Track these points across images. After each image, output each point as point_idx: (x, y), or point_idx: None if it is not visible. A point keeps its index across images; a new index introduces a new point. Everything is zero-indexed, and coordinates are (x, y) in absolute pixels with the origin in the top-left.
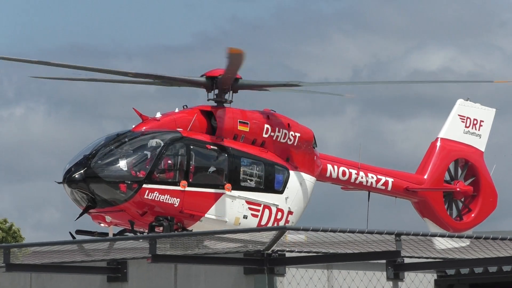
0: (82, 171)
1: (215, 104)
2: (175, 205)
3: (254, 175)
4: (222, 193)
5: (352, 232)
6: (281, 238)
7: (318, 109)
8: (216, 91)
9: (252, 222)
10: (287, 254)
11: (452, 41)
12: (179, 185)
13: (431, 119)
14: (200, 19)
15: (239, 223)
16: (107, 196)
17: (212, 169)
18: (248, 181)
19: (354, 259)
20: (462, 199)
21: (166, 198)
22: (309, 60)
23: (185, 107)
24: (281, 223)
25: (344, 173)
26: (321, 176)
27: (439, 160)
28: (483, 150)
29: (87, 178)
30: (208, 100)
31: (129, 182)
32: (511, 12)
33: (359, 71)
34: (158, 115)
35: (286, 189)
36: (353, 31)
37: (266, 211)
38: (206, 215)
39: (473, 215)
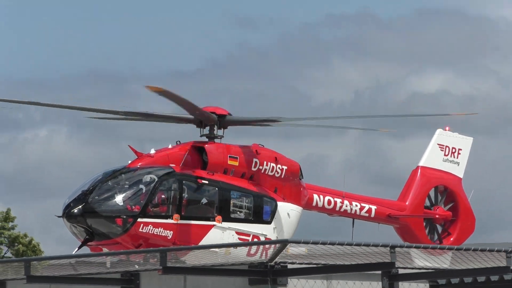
0: (80, 206)
1: (207, 139)
2: (168, 237)
3: (244, 207)
4: (213, 225)
5: (350, 244)
6: (283, 250)
7: (322, 130)
8: (207, 127)
9: (242, 252)
10: (289, 266)
11: (449, 65)
12: (172, 218)
13: (428, 139)
14: (209, 46)
15: (230, 253)
16: (104, 229)
17: (203, 202)
18: (238, 212)
19: (351, 270)
20: (442, 224)
21: (160, 230)
22: (314, 84)
23: (178, 142)
24: (270, 252)
25: (329, 202)
26: (308, 205)
27: (419, 187)
28: (461, 176)
29: (85, 213)
30: (201, 136)
31: (124, 216)
32: (504, 37)
33: (360, 94)
34: (152, 151)
35: (274, 219)
36: (354, 56)
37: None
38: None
39: (452, 238)
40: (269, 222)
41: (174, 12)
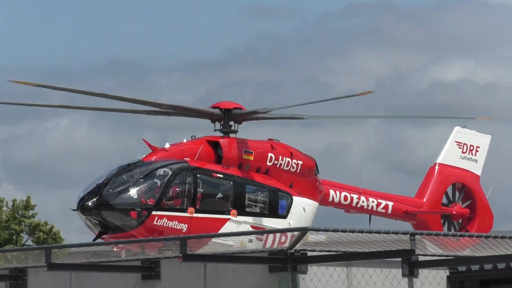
0: (94, 199)
1: (222, 134)
2: (183, 230)
3: (259, 201)
4: (228, 219)
5: (370, 232)
6: (303, 238)
7: (343, 119)
8: (221, 122)
9: (257, 246)
10: (309, 253)
11: (470, 54)
12: (186, 212)
13: (450, 128)
14: (229, 36)
15: (245, 246)
16: (118, 222)
17: (218, 196)
18: (253, 207)
19: (372, 257)
20: (460, 221)
21: (174, 224)
22: (333, 74)
23: (193, 137)
24: (286, 245)
25: (346, 198)
26: (324, 201)
27: (437, 184)
28: (479, 174)
29: (99, 205)
30: (215, 130)
31: (139, 209)
32: None
33: (381, 83)
34: (167, 145)
35: (289, 214)
36: (374, 45)
37: (271, 235)
38: (213, 240)
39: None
40: (284, 217)
41: (194, 2)
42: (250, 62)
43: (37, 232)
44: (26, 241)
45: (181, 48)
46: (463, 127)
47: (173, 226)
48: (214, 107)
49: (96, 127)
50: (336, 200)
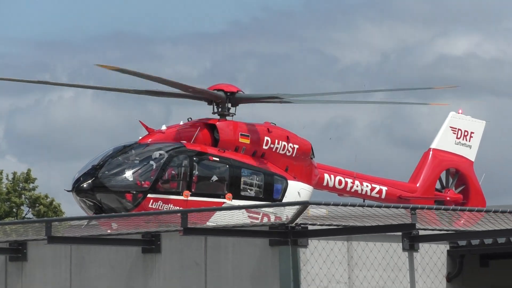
0: (90, 181)
1: (219, 117)
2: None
3: (254, 184)
4: (223, 202)
5: (370, 206)
6: (304, 212)
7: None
8: (219, 105)
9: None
10: (310, 227)
11: (477, 28)
12: (182, 195)
13: (455, 102)
14: (233, 8)
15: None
16: (113, 204)
17: (213, 179)
18: (248, 190)
19: (372, 231)
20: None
21: (170, 207)
22: (339, 47)
23: (189, 119)
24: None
25: (340, 182)
26: (318, 185)
27: (430, 170)
28: (473, 160)
29: (94, 187)
30: (213, 113)
31: (134, 192)
32: None
33: (387, 56)
34: (164, 127)
35: (284, 198)
36: (379, 18)
37: (265, 219)
38: (208, 223)
39: (462, 222)
40: (279, 201)
41: None
42: (255, 34)
43: (37, 205)
44: (26, 214)
45: (185, 20)
46: (459, 112)
47: (168, 209)
48: (215, 89)
49: (100, 99)
50: (331, 184)
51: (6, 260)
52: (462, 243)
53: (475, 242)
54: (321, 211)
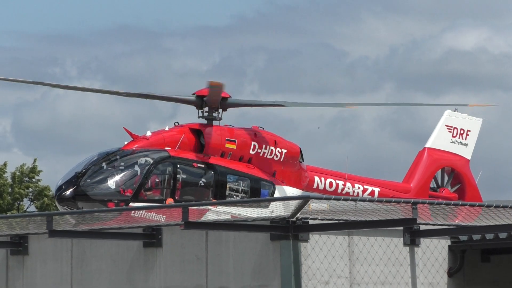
0: (72, 189)
1: (205, 121)
2: (161, 222)
3: (240, 190)
4: (208, 209)
5: (371, 201)
6: (305, 206)
7: (357, 86)
8: (206, 109)
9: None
10: (311, 222)
11: (486, 22)
12: (165, 203)
13: (463, 96)
14: (238, 2)
15: None
16: None
17: (198, 186)
18: (234, 196)
19: (373, 226)
20: None
21: (152, 215)
22: (345, 41)
23: (176, 123)
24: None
25: (331, 184)
26: (309, 188)
27: (425, 169)
28: (469, 158)
29: (76, 196)
30: (199, 117)
31: (116, 200)
32: None
33: (395, 50)
34: (149, 133)
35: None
36: (387, 12)
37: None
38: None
39: (457, 221)
40: (266, 206)
41: None
42: (260, 28)
43: (41, 197)
44: (27, 208)
45: (189, 14)
46: (454, 111)
47: (151, 218)
48: (200, 95)
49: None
50: (321, 186)
51: (7, 253)
52: (463, 238)
53: (476, 237)
54: (322, 205)
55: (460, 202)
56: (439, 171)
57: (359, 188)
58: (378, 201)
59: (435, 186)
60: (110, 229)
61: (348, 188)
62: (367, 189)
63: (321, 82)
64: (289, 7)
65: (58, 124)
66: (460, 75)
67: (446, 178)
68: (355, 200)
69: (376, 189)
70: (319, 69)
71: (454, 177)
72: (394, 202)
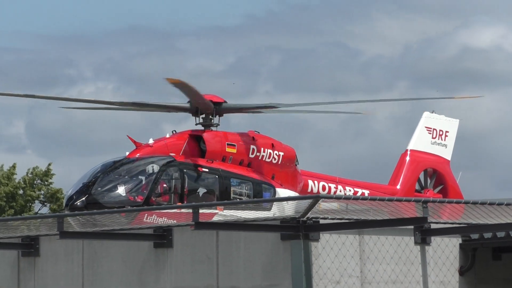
0: (83, 198)
1: (203, 128)
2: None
3: (244, 194)
4: (215, 213)
5: (382, 200)
6: (315, 206)
7: (371, 85)
8: (203, 116)
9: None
10: (321, 221)
11: (502, 19)
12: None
13: (478, 94)
14: (249, 1)
15: None
16: (107, 221)
17: (204, 190)
18: (238, 200)
19: (384, 225)
20: None
21: (164, 220)
22: (357, 40)
23: (174, 132)
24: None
25: (324, 188)
26: (303, 191)
27: (409, 171)
28: (449, 159)
29: (88, 204)
30: (196, 124)
31: (128, 207)
32: None
33: (409, 48)
34: (151, 141)
35: (273, 205)
36: (401, 10)
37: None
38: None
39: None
40: (268, 209)
41: None
42: (272, 28)
43: (55, 200)
44: (39, 210)
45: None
46: (432, 112)
47: (162, 223)
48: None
49: (121, 94)
50: (315, 190)
51: (19, 255)
52: (475, 236)
53: (487, 235)
54: (333, 205)
55: (471, 201)
56: (422, 173)
57: (350, 190)
58: (389, 200)
59: (419, 187)
60: (120, 230)
61: (340, 191)
62: (357, 191)
63: (335, 81)
64: (301, 6)
65: (72, 125)
66: (475, 73)
67: (428, 179)
68: (365, 199)
69: (366, 192)
70: (333, 68)
71: (437, 178)
72: (404, 201)
